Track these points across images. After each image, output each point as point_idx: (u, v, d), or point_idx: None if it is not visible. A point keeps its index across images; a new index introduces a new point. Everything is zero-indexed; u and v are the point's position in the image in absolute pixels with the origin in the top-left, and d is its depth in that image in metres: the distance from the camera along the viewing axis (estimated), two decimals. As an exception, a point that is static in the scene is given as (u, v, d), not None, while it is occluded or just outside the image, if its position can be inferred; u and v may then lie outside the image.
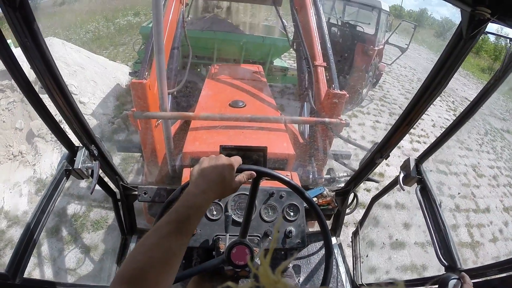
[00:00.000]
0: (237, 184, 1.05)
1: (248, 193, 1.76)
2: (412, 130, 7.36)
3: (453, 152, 7.27)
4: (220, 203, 1.76)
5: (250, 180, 1.20)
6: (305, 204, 2.03)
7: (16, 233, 3.89)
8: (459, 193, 5.80)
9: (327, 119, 2.57)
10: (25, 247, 1.29)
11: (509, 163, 7.94)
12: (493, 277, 1.21)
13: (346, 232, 3.91)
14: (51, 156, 4.93)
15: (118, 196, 2.11)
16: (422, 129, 8.00)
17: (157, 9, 1.82)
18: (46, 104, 1.27)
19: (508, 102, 12.77)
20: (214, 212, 1.74)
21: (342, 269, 2.27)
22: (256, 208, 1.75)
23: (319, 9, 3.20)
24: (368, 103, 8.74)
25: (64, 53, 6.80)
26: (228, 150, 1.71)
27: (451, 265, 1.44)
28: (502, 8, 0.84)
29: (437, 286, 1.29)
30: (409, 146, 7.03)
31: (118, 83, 7.30)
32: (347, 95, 2.56)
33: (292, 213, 1.78)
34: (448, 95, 11.59)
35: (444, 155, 6.93)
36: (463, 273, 1.25)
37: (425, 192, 1.72)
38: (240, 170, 1.12)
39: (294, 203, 1.79)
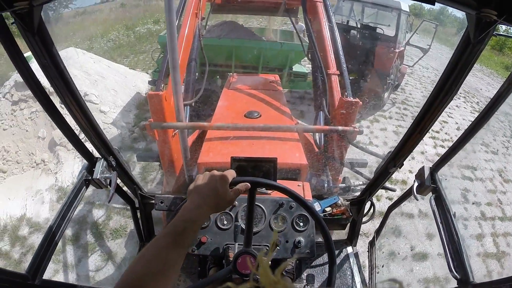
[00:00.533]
0: (232, 196, 1.07)
1: (257, 204, 1.78)
2: (436, 135, 7.19)
3: (478, 157, 6.99)
4: (230, 213, 1.79)
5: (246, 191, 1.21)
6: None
7: (37, 240, 4.00)
8: (473, 203, 5.55)
9: (340, 127, 2.56)
10: (45, 251, 1.38)
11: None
12: None
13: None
14: (72, 165, 5.06)
15: (137, 205, 2.19)
16: (446, 133, 7.74)
17: (170, 26, 1.86)
18: (65, 117, 1.35)
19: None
20: (225, 222, 1.78)
21: (357, 278, 2.26)
22: (266, 218, 1.78)
23: (331, 18, 3.22)
24: (390, 107, 8.56)
25: (85, 63, 6.99)
26: (238, 162, 1.73)
27: (463, 279, 1.40)
28: (509, 8, 0.82)
29: None
30: (433, 151, 6.81)
31: (138, 91, 7.43)
32: (360, 102, 2.54)
33: (301, 223, 1.79)
34: (472, 96, 11.23)
35: (469, 160, 6.70)
36: None
37: (440, 202, 1.69)
38: (234, 183, 1.13)
39: (303, 213, 1.79)
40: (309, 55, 3.57)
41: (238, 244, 1.61)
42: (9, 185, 5.13)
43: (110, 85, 6.87)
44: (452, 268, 1.46)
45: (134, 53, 11.12)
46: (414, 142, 1.51)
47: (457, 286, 1.44)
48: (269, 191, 1.97)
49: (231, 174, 1.12)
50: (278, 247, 1.68)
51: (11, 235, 4.14)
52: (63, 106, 1.34)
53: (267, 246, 1.69)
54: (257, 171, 1.84)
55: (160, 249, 0.84)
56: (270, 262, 1.37)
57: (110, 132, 5.81)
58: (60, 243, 3.90)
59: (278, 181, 2.00)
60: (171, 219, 1.32)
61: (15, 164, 5.50)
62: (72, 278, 3.58)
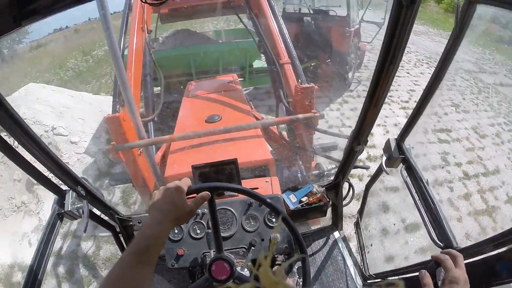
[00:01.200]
0: (192, 206, 1.06)
1: (226, 207, 1.78)
2: (406, 105, 7.32)
3: (451, 118, 7.15)
4: (202, 221, 1.78)
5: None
6: (294, 207, 2.05)
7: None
8: (442, 167, 5.65)
9: (300, 116, 2.59)
10: None
11: (509, 117, 7.75)
12: (490, 254, 1.16)
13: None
14: (52, 201, 4.93)
15: (118, 229, 2.16)
16: (415, 101, 7.79)
17: (112, 44, 1.86)
18: (25, 157, 1.33)
19: (495, 55, 12.58)
20: (198, 231, 1.77)
21: (349, 261, 2.27)
22: (237, 220, 1.78)
23: (274, 8, 3.28)
24: (356, 86, 8.61)
25: (47, 97, 6.83)
26: (200, 169, 1.75)
27: (447, 245, 1.38)
28: None
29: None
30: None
31: (105, 116, 7.25)
32: (316, 87, 2.58)
33: (274, 220, 1.77)
34: (434, 61, 11.33)
35: (442, 123, 6.85)
36: (451, 251, 1.11)
37: (411, 172, 1.69)
38: (191, 191, 1.14)
39: None
40: (261, 49, 3.60)
41: (213, 251, 1.58)
42: (-7, 234, 5.01)
43: (76, 115, 6.73)
44: (434, 237, 1.45)
45: (96, 78, 10.91)
46: (372, 116, 1.48)
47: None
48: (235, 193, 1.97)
49: (185, 183, 1.11)
50: (253, 247, 1.68)
51: (6, 283, 4.06)
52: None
53: (244, 247, 1.69)
54: (220, 175, 1.85)
55: (125, 269, 0.84)
56: (249, 263, 1.39)
57: (85, 162, 5.70)
58: (55, 281, 3.86)
59: (244, 180, 2.03)
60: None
61: (-5, 212, 5.37)
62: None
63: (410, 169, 1.69)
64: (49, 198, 4.96)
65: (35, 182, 1.53)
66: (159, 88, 5.36)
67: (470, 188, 5.09)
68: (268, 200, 1.32)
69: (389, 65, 1.18)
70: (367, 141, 1.68)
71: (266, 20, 3.23)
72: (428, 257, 1.19)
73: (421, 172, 1.63)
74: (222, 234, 1.72)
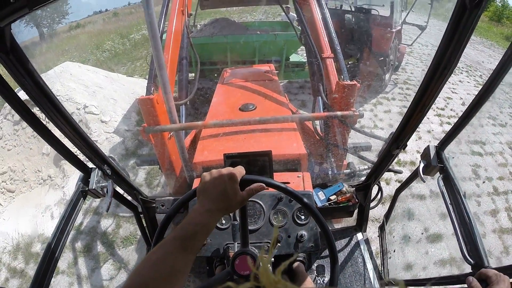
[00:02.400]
0: (244, 196, 1.01)
1: (255, 200, 1.71)
2: (441, 112, 7.06)
3: (486, 131, 6.84)
4: None
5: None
6: (321, 204, 1.95)
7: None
8: (484, 182, 5.37)
9: (339, 113, 2.49)
10: (47, 267, 1.36)
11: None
12: None
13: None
14: (77, 177, 5.02)
15: (140, 210, 2.16)
16: (451, 109, 7.57)
17: (152, 25, 1.81)
18: (54, 132, 1.32)
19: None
20: (223, 221, 1.72)
21: (369, 265, 2.21)
22: (265, 214, 1.72)
23: (321, 1, 3.13)
24: (392, 88, 8.40)
25: (82, 75, 6.99)
26: (232, 159, 1.67)
27: (477, 263, 1.32)
28: None
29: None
30: (440, 129, 6.67)
31: (137, 98, 7.34)
32: (358, 85, 2.47)
33: (303, 217, 1.71)
34: (474, 69, 11.01)
35: (477, 135, 6.56)
36: (490, 270, 1.10)
37: (448, 182, 1.60)
38: (243, 182, 1.07)
39: None
40: (302, 40, 3.46)
41: (238, 243, 1.54)
42: (18, 204, 5.17)
43: (109, 95, 6.85)
44: (465, 253, 1.37)
45: (130, 61, 11.12)
46: (416, 121, 1.40)
47: (471, 271, 1.35)
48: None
49: (239, 172, 1.05)
50: (279, 243, 1.62)
51: (24, 253, 4.17)
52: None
53: (268, 243, 1.63)
54: (252, 166, 1.78)
55: (167, 253, 0.81)
56: (273, 259, 1.32)
57: (113, 141, 5.80)
58: (72, 255, 3.94)
59: (276, 173, 1.95)
60: (178, 222, 1.29)
61: (23, 183, 5.54)
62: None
63: (448, 180, 1.61)
64: (76, 173, 5.06)
65: (62, 157, 1.51)
66: (192, 74, 5.39)
67: (499, 204, 4.85)
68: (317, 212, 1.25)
69: (442, 69, 1.11)
70: (406, 145, 1.60)
71: (310, 11, 3.10)
72: (452, 272, 1.12)
73: (459, 184, 1.55)
74: (248, 227, 1.66)
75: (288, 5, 5.71)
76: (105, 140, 5.73)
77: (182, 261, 0.81)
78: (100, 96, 6.65)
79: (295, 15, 3.91)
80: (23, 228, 4.54)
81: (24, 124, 6.02)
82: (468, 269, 1.37)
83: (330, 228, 1.86)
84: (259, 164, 1.75)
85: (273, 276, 0.44)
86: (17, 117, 6.01)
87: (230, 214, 1.71)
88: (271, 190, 1.78)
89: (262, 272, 0.44)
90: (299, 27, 3.77)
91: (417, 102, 1.29)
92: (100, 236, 4.20)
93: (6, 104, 6.59)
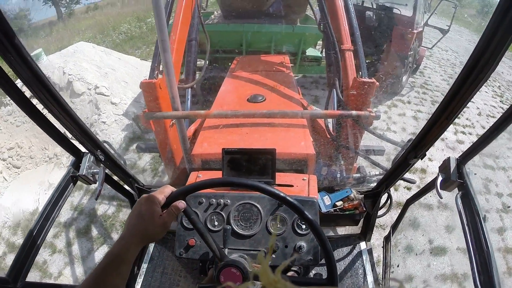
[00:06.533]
0: (164, 219, 0.92)
1: (253, 202, 1.57)
2: (456, 120, 6.81)
3: (501, 144, 6.57)
4: (222, 213, 1.59)
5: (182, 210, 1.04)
6: (326, 210, 1.84)
7: (50, 234, 3.98)
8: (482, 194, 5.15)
9: (354, 112, 2.30)
10: (28, 253, 1.32)
11: None
12: None
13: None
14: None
15: (135, 198, 2.10)
16: (467, 118, 7.35)
17: (157, 6, 1.70)
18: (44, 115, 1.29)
19: None
20: (216, 223, 1.58)
21: (369, 278, 2.09)
22: (262, 219, 1.56)
23: None
24: (408, 91, 8.19)
25: (95, 56, 6.98)
26: (231, 155, 1.55)
27: None
28: None
29: None
30: (454, 138, 6.48)
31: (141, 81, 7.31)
32: (377, 83, 2.29)
33: (303, 226, 1.52)
34: (493, 79, 10.62)
35: (491, 148, 6.26)
36: None
37: (467, 201, 1.42)
38: (170, 200, 0.98)
39: None
40: (321, 27, 3.23)
41: (228, 249, 1.41)
42: (23, 180, 5.22)
43: (120, 77, 6.82)
44: (478, 283, 1.21)
45: (146, 44, 11.06)
46: (439, 129, 1.27)
47: None
48: None
49: (162, 192, 0.96)
50: (274, 253, 1.47)
51: (24, 229, 4.20)
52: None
53: (264, 251, 1.45)
54: (253, 164, 1.65)
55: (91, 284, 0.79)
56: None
57: (121, 123, 5.76)
58: (71, 236, 3.91)
59: (279, 174, 1.81)
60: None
61: (29, 160, 5.57)
62: (82, 271, 3.57)
63: (467, 198, 1.43)
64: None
65: (69, 136, 1.46)
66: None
67: (506, 222, 4.63)
68: (295, 202, 1.03)
69: (477, 74, 0.97)
70: (425, 155, 1.47)
71: None
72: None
73: (479, 205, 1.38)
74: (243, 232, 1.53)
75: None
76: (114, 122, 5.69)
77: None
78: (112, 77, 6.63)
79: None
80: (25, 204, 4.57)
81: (34, 101, 5.99)
82: None
83: (332, 234, 1.74)
84: (260, 162, 1.63)
85: (273, 275, 0.44)
86: (27, 93, 5.95)
87: (224, 216, 1.58)
88: None
89: (262, 272, 0.44)
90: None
91: (443, 108, 1.16)
92: (100, 218, 4.19)
93: (17, 81, 6.63)
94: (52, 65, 6.27)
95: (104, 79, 6.40)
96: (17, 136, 5.81)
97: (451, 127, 6.63)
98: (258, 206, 1.57)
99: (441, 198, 1.54)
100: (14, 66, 1.04)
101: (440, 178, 1.53)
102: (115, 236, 3.92)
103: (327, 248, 1.04)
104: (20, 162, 5.52)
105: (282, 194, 1.02)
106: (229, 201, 1.59)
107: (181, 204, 0.99)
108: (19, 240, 4.05)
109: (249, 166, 1.66)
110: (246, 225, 1.55)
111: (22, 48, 1.02)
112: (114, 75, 6.74)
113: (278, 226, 1.55)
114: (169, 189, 1.00)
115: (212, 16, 7.04)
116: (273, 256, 1.46)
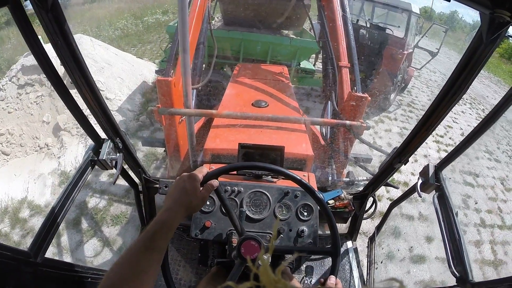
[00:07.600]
0: (203, 193, 1.10)
1: (263, 191, 1.78)
2: (440, 139, 7.11)
3: (482, 164, 6.96)
4: (236, 198, 1.79)
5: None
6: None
7: (37, 222, 4.05)
8: (476, 203, 5.58)
9: (347, 121, 2.56)
10: (48, 230, 1.38)
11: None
12: None
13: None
14: (76, 150, 5.08)
15: (140, 188, 2.20)
16: (450, 138, 7.68)
17: (182, 10, 1.84)
18: (74, 98, 1.35)
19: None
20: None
21: (355, 273, 2.29)
22: (271, 205, 1.77)
23: (345, 7, 3.16)
24: (395, 109, 8.49)
25: (92, 50, 6.98)
26: (246, 149, 1.72)
27: (463, 277, 1.42)
28: None
29: None
30: (436, 155, 6.77)
31: (145, 80, 7.41)
32: (369, 98, 2.55)
33: (305, 213, 1.77)
34: (478, 103, 11.10)
35: (471, 166, 6.67)
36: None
37: (443, 200, 1.70)
38: (207, 180, 1.16)
39: (308, 203, 1.79)
40: (320, 44, 3.50)
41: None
42: (11, 168, 5.15)
43: (116, 73, 6.86)
44: (452, 266, 1.48)
45: (141, 43, 11.09)
46: (420, 139, 1.53)
47: (456, 284, 1.45)
48: (274, 179, 1.97)
49: (201, 171, 1.14)
50: (281, 235, 1.67)
51: (12, 217, 4.16)
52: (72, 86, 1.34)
53: (270, 233, 1.68)
54: (264, 158, 1.84)
55: (131, 255, 0.85)
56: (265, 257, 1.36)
57: (116, 119, 5.77)
58: (62, 225, 3.93)
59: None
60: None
61: (19, 147, 5.51)
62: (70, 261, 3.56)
63: (442, 198, 1.72)
64: (73, 145, 5.07)
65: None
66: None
67: (483, 236, 4.94)
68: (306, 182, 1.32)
69: (452, 94, 1.24)
70: (408, 161, 1.72)
71: (333, 16, 3.13)
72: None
73: (452, 204, 1.66)
74: (253, 216, 1.73)
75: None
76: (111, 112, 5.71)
77: (145, 261, 0.84)
78: (108, 73, 6.67)
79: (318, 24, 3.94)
80: (13, 192, 4.53)
81: (28, 89, 5.99)
82: (453, 282, 1.47)
83: (321, 233, 1.92)
84: (271, 157, 1.82)
85: (273, 275, 0.44)
86: (22, 81, 5.98)
87: (238, 201, 1.78)
88: (278, 183, 1.85)
89: (262, 271, 0.43)
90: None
91: (424, 121, 1.43)
92: (91, 210, 4.22)
93: (13, 67, 6.60)
94: (50, 54, 6.24)
95: (100, 74, 6.43)
96: (9, 123, 5.74)
97: (434, 145, 6.95)
98: (267, 194, 1.79)
99: (421, 197, 1.80)
100: (56, 43, 1.11)
101: (420, 181, 1.79)
102: (105, 228, 3.98)
103: (332, 221, 1.29)
104: (10, 149, 5.45)
105: (303, 181, 1.29)
106: (242, 189, 1.79)
107: (215, 182, 1.17)
108: (5, 228, 4.02)
109: (261, 160, 1.86)
110: (257, 210, 1.75)
111: (66, 27, 1.09)
112: (110, 71, 6.77)
113: (284, 212, 1.78)
114: (205, 169, 1.17)
115: (213, 21, 7.16)
116: (281, 236, 1.67)
